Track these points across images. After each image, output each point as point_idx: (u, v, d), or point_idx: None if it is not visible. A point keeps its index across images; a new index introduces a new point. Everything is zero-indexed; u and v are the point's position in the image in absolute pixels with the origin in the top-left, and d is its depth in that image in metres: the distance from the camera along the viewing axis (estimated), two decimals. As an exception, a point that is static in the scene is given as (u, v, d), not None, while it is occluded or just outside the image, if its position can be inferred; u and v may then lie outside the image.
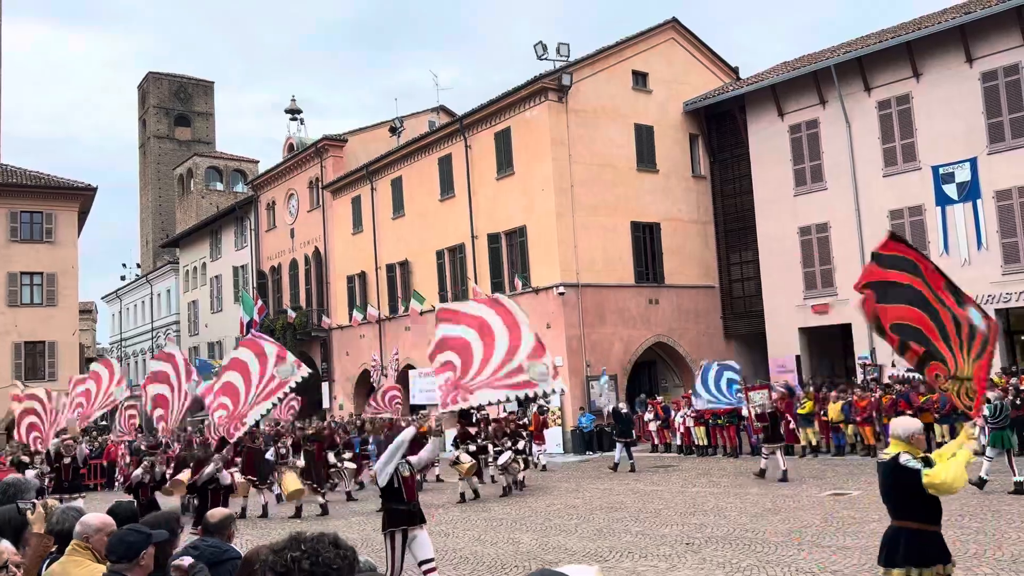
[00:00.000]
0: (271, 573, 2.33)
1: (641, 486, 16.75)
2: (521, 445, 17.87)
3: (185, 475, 16.65)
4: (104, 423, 53.69)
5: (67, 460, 15.80)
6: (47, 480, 16.34)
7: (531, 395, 8.14)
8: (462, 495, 16.28)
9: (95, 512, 4.45)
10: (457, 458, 16.74)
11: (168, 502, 15.28)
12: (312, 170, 37.69)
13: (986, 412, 13.37)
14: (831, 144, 24.97)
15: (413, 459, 8.15)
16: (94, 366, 17.20)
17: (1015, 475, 12.89)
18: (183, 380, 13.29)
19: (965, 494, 12.66)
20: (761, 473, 16.54)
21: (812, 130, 25.56)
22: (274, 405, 11.44)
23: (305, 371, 10.88)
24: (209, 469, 11.32)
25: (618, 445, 20.14)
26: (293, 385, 10.73)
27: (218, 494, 11.30)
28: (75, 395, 16.19)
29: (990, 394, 13.41)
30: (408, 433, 7.99)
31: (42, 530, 4.67)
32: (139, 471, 13.19)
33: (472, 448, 17.30)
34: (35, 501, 5.19)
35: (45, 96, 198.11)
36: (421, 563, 8.07)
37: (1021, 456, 14.87)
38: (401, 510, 7.87)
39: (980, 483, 12.94)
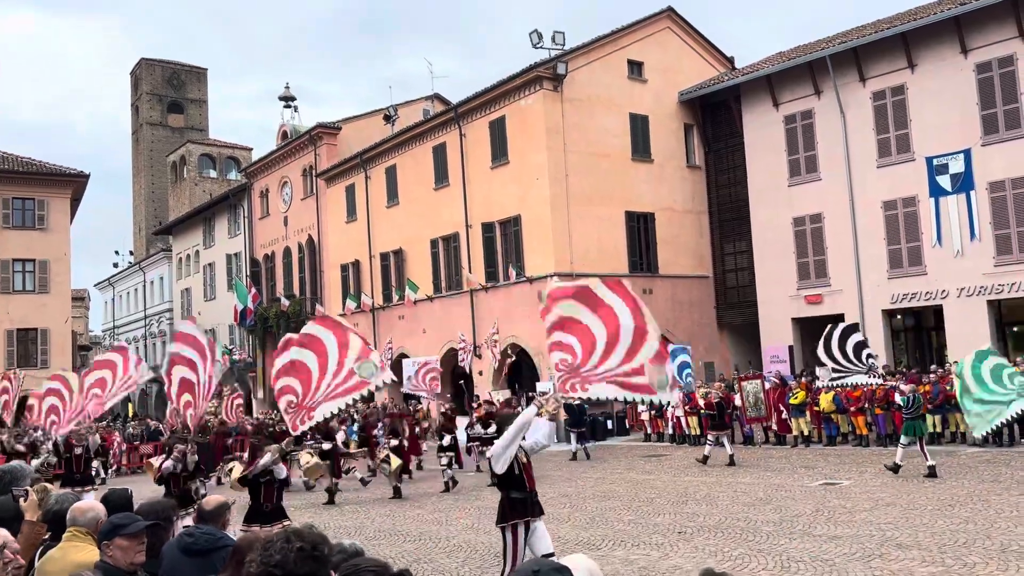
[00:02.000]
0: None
1: (634, 475, 16.82)
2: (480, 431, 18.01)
3: (236, 468, 16.14)
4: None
5: (78, 451, 15.04)
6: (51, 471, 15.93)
7: (646, 400, 7.33)
8: (396, 489, 16.06)
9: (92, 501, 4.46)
10: (387, 456, 16.37)
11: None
12: (306, 158, 37.55)
13: (900, 402, 14.72)
14: (826, 135, 24.99)
15: (527, 443, 7.30)
16: (107, 355, 16.00)
17: (927, 460, 13.83)
18: (208, 363, 11.82)
19: (955, 485, 12.76)
20: (704, 459, 17.25)
21: (807, 120, 25.57)
22: (346, 406, 9.85)
23: (389, 376, 9.45)
24: (264, 460, 10.24)
25: (571, 435, 20.70)
26: (372, 389, 9.24)
27: (272, 488, 10.28)
28: (90, 385, 15.61)
29: (904, 387, 14.82)
30: (530, 413, 7.10)
31: (34, 518, 4.68)
32: (170, 462, 12.12)
33: (446, 440, 17.37)
34: (28, 488, 5.19)
35: (39, 84, 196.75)
36: (544, 557, 7.33)
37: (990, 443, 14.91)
38: (523, 500, 7.24)
39: (895, 468, 14.02)
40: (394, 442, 17.37)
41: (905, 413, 14.78)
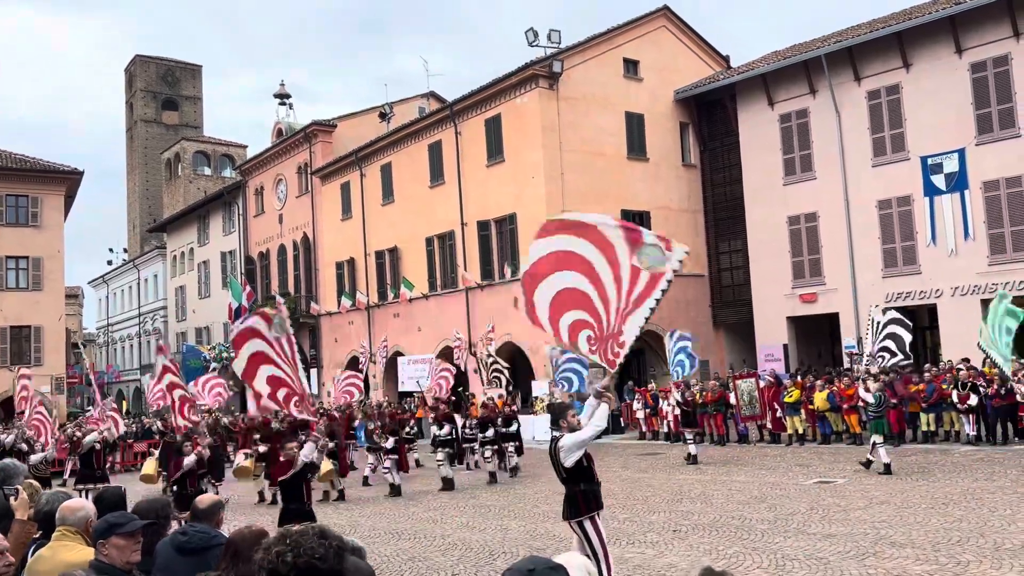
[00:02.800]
0: (262, 571, 2.33)
1: (629, 473, 16.83)
2: (514, 428, 17.89)
3: (246, 461, 15.36)
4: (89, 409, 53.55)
5: (98, 447, 14.59)
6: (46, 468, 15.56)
7: (665, 287, 6.53)
8: (325, 493, 15.87)
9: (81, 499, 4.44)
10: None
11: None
12: (301, 155, 37.48)
13: (871, 401, 15.16)
14: (821, 134, 25.02)
15: (582, 435, 6.84)
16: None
17: (869, 455, 14.57)
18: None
19: (948, 484, 12.80)
20: (692, 459, 17.38)
21: (802, 119, 25.60)
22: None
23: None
24: (306, 450, 9.26)
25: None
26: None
27: (309, 485, 9.63)
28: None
29: (872, 385, 15.28)
30: (595, 404, 6.76)
31: (25, 516, 4.65)
32: (193, 457, 11.65)
33: (444, 431, 17.25)
34: (19, 487, 5.16)
35: (35, 81, 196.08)
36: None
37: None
38: (595, 491, 6.97)
39: (886, 469, 14.11)
40: (331, 444, 17.16)
41: (873, 411, 15.17)
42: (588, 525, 6.86)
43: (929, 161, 22.58)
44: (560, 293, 6.62)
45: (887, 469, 14.02)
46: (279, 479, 9.44)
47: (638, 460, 19.00)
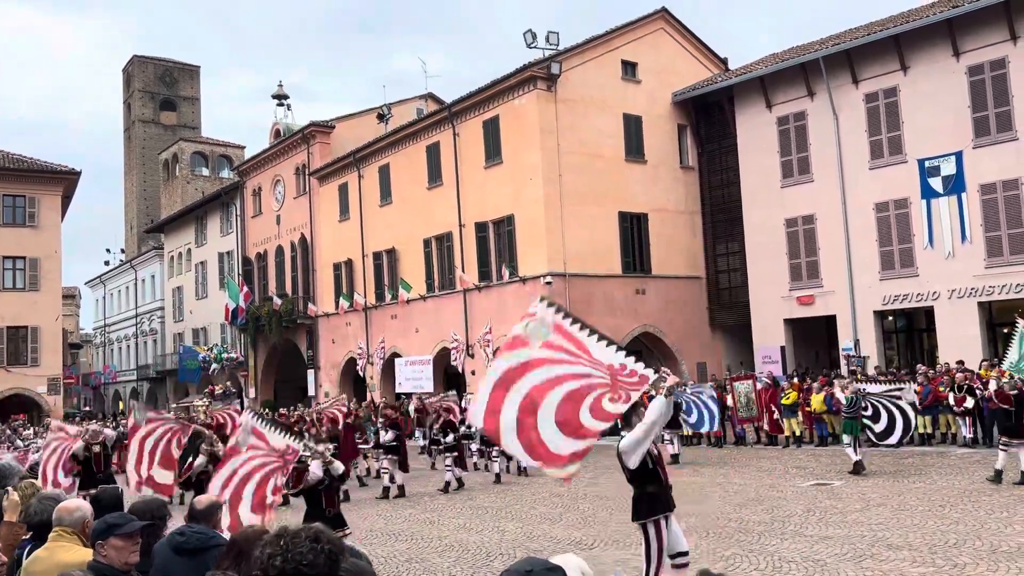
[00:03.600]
0: (255, 572, 2.32)
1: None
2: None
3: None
4: (88, 409, 53.48)
5: (96, 448, 14.05)
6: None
7: (551, 317, 6.14)
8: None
9: (77, 500, 4.43)
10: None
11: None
12: (299, 156, 37.46)
13: (844, 401, 15.53)
14: (818, 136, 25.06)
15: (635, 434, 6.61)
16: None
17: (854, 457, 14.79)
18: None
19: (945, 486, 12.82)
20: (675, 459, 17.78)
21: (800, 122, 25.63)
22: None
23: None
24: (313, 469, 8.73)
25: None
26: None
27: (332, 493, 9.35)
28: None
29: (848, 387, 15.59)
30: (661, 401, 6.51)
31: (14, 518, 4.63)
32: (201, 459, 11.09)
33: (451, 438, 17.24)
34: (10, 488, 5.16)
35: (33, 81, 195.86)
36: (675, 555, 6.97)
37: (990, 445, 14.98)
38: (662, 494, 6.80)
39: (857, 468, 14.52)
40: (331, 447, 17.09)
41: (846, 412, 15.46)
42: (650, 529, 6.71)
43: (926, 164, 22.61)
44: (557, 415, 6.09)
45: (857, 468, 14.48)
46: (296, 489, 9.27)
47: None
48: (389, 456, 16.43)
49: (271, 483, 7.84)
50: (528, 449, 6.13)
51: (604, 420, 6.19)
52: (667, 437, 18.52)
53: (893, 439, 14.98)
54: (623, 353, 6.17)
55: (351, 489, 17.11)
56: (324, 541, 2.32)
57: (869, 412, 15.16)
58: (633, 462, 6.62)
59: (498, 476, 17.02)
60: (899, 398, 14.92)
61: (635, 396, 6.16)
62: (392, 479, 16.14)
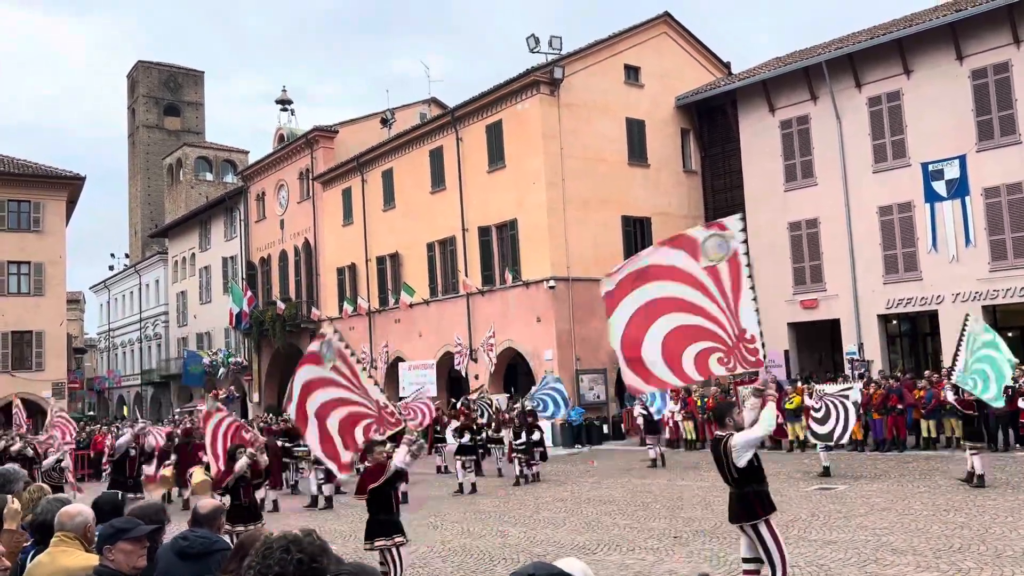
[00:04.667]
0: None
1: (629, 479, 16.81)
2: (536, 436, 18.02)
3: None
4: (91, 414, 53.53)
5: (132, 452, 13.39)
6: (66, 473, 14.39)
7: (746, 262, 6.47)
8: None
9: (80, 504, 4.44)
10: (192, 474, 15.09)
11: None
12: (302, 161, 37.54)
13: (813, 405, 15.95)
14: (821, 140, 25.05)
15: (754, 434, 6.63)
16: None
17: (824, 462, 15.35)
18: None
19: (950, 490, 12.78)
20: (654, 463, 18.64)
21: (803, 126, 25.63)
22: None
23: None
24: (399, 456, 8.16)
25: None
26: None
27: (397, 493, 8.78)
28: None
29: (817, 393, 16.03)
30: (772, 409, 6.62)
31: (15, 526, 4.63)
32: (243, 462, 10.38)
33: (466, 438, 17.43)
34: (10, 496, 5.16)
35: (36, 85, 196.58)
36: (751, 560, 6.84)
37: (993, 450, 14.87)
38: (768, 493, 6.74)
39: (825, 471, 15.15)
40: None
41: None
42: (763, 528, 6.66)
43: (930, 167, 22.58)
44: (666, 338, 6.44)
45: (826, 471, 15.12)
46: (370, 486, 8.32)
47: (639, 466, 18.98)
48: (464, 456, 16.90)
49: (359, 427, 7.75)
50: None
51: (701, 375, 6.60)
52: (649, 443, 19.24)
53: (833, 440, 15.53)
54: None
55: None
56: (295, 551, 2.37)
57: (821, 413, 15.59)
58: (743, 461, 6.62)
59: (525, 478, 17.22)
60: (847, 397, 15.45)
61: (743, 370, 6.46)
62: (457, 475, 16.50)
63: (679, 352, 6.41)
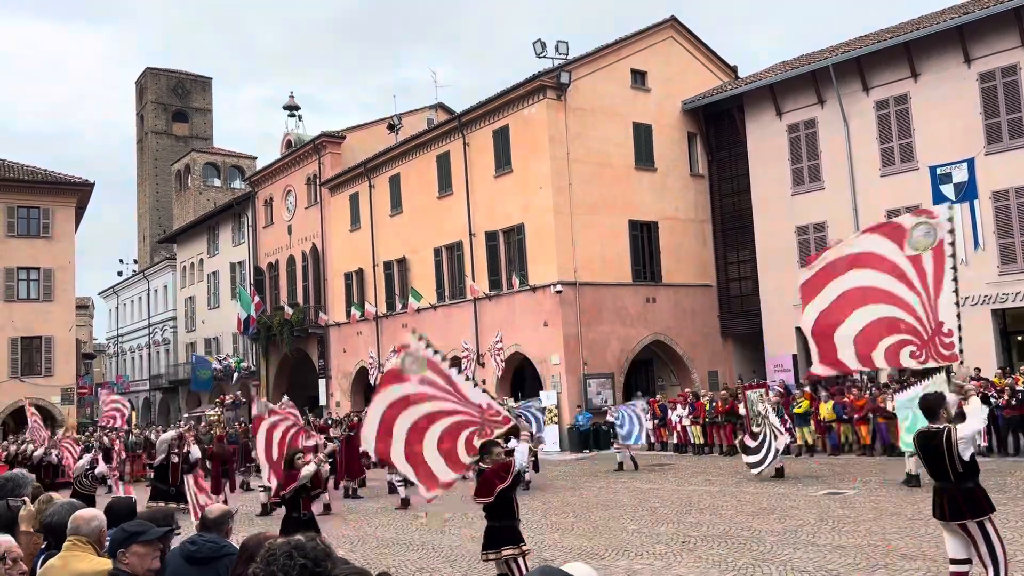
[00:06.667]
0: None
1: (638, 484, 16.78)
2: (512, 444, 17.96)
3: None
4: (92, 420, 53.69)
5: (175, 459, 12.53)
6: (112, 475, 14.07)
7: (951, 252, 6.60)
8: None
9: (92, 510, 4.46)
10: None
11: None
12: (310, 167, 37.66)
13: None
14: (829, 144, 25.00)
15: (974, 426, 6.55)
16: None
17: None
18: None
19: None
20: (620, 467, 19.07)
21: (810, 130, 25.58)
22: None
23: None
24: (520, 453, 7.83)
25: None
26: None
27: (512, 501, 7.86)
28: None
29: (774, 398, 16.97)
30: (977, 401, 6.68)
31: (31, 529, 4.67)
32: (310, 468, 9.47)
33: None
34: (26, 499, 5.19)
35: (44, 92, 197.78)
36: (959, 562, 6.64)
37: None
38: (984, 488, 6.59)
39: (780, 472, 15.91)
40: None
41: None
42: (988, 525, 6.38)
43: (938, 171, 22.52)
44: (865, 328, 6.55)
45: (779, 472, 16.02)
46: (498, 488, 7.60)
47: (647, 471, 18.95)
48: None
49: (463, 436, 6.95)
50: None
51: (891, 364, 6.81)
52: (616, 447, 19.58)
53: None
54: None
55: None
56: (299, 556, 2.41)
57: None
58: (968, 454, 6.38)
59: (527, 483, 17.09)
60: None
61: (935, 364, 6.53)
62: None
63: (875, 341, 6.50)
